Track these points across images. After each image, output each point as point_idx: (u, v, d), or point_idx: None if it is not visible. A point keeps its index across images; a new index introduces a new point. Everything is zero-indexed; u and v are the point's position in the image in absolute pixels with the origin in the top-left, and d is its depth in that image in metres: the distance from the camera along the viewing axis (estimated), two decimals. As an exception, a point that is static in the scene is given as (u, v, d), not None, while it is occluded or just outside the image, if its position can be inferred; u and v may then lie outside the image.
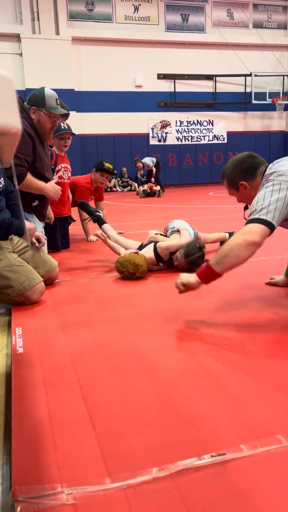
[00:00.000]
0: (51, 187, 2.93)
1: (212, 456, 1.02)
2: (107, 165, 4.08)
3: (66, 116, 3.96)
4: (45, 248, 2.85)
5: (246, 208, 2.16)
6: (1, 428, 1.27)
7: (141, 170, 12.08)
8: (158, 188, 10.46)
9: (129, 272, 2.67)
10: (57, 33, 11.64)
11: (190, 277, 1.87)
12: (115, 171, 4.34)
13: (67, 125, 3.55)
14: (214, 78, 13.35)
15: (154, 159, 11.89)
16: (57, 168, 3.60)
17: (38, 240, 2.56)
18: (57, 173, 3.61)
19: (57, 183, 3.57)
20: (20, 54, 11.40)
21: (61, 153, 3.66)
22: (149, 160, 11.80)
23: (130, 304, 2.27)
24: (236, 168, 2.02)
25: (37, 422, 1.21)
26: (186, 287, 1.89)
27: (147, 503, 0.89)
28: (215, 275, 1.80)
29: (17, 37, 11.35)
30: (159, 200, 9.34)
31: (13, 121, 0.34)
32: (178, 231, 3.17)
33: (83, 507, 0.89)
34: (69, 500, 0.90)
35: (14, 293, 2.24)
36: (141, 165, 11.68)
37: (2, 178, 2.39)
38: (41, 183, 2.90)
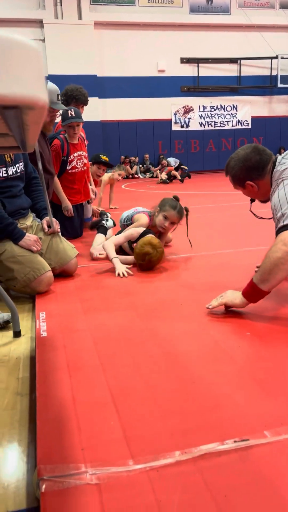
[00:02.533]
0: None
1: (235, 441, 1.02)
2: (103, 157, 4.21)
3: (84, 103, 3.94)
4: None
5: (253, 200, 2.11)
6: (26, 409, 1.29)
7: (165, 168, 11.81)
8: (177, 173, 10.38)
9: (148, 254, 2.54)
10: (80, 17, 11.54)
11: (235, 299, 1.80)
12: (112, 163, 4.42)
13: (76, 112, 3.52)
14: (238, 61, 13.04)
15: (178, 161, 11.64)
16: (69, 159, 3.59)
17: (49, 225, 2.50)
18: (70, 163, 3.60)
19: (71, 173, 3.59)
20: (43, 40, 11.37)
21: (73, 141, 3.64)
22: (173, 161, 11.59)
23: (151, 290, 2.27)
24: (242, 168, 1.89)
25: (61, 404, 1.23)
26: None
27: (170, 485, 0.89)
28: (262, 294, 1.71)
29: (39, 23, 11.31)
30: (181, 186, 9.26)
31: (41, 94, 0.34)
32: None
33: (106, 487, 0.90)
34: (93, 480, 0.92)
35: (19, 285, 2.23)
36: (166, 162, 11.48)
37: (21, 163, 2.40)
38: (63, 196, 3.39)
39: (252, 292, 1.73)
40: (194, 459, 0.97)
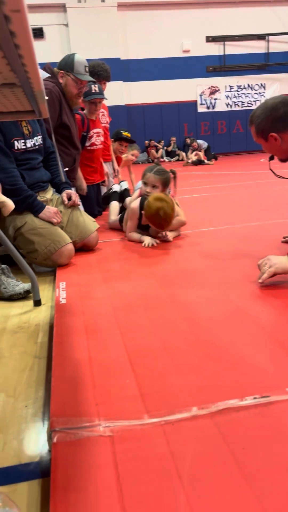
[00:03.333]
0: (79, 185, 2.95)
1: (255, 398, 0.97)
2: (125, 133, 4.08)
3: (106, 79, 3.86)
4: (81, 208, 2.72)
5: (271, 158, 1.99)
6: (43, 371, 1.28)
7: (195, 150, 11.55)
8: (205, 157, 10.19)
9: (161, 208, 2.43)
10: (103, 0, 11.39)
11: (285, 264, 1.67)
12: (134, 140, 4.28)
13: (99, 88, 3.45)
14: (266, 37, 12.60)
15: (206, 144, 11.36)
16: (89, 135, 3.54)
17: (69, 198, 2.47)
18: (90, 140, 3.55)
19: (90, 150, 3.54)
20: (66, 25, 11.31)
21: (92, 117, 3.58)
22: (202, 142, 11.32)
23: (173, 260, 2.23)
24: (268, 117, 1.78)
25: (77, 363, 1.21)
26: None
27: (186, 438, 0.86)
28: None
29: (63, 7, 11.24)
30: (208, 167, 9.09)
31: None
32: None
33: (120, 439, 0.87)
34: (106, 432, 0.89)
35: (40, 257, 2.22)
36: (197, 144, 11.22)
37: (39, 137, 2.38)
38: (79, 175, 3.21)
39: None
40: (211, 414, 0.93)
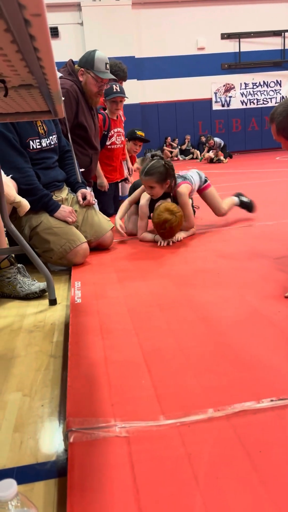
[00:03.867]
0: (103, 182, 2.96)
1: (272, 400, 0.96)
2: (139, 133, 4.09)
3: (123, 79, 3.87)
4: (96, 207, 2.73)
5: None
6: (59, 370, 1.29)
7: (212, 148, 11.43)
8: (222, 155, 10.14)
9: (167, 220, 2.47)
10: (117, -2, 11.39)
11: None
12: (148, 139, 4.27)
13: (120, 87, 3.45)
14: (283, 33, 12.43)
15: (222, 142, 11.26)
16: (109, 134, 3.55)
17: (84, 198, 2.48)
18: (110, 139, 3.56)
19: (110, 148, 3.55)
20: (81, 24, 11.34)
21: (114, 116, 3.59)
22: (219, 141, 11.23)
23: (187, 260, 2.22)
24: None
25: (93, 363, 1.21)
26: None
27: (202, 439, 0.85)
28: None
29: (78, 6, 11.26)
30: (223, 165, 9.03)
31: None
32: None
33: (135, 440, 0.87)
34: (122, 433, 0.89)
35: (55, 256, 2.23)
36: (213, 142, 11.11)
37: (55, 136, 2.39)
38: (100, 173, 3.21)
39: None
40: (227, 416, 0.92)
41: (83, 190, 2.50)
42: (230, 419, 0.91)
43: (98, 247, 2.51)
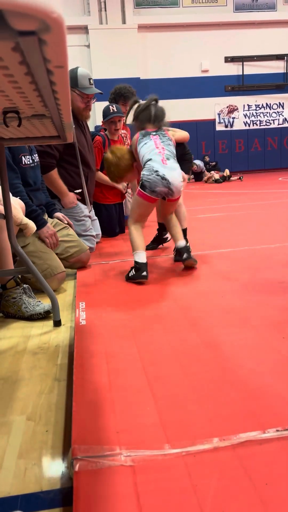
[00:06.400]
0: (71, 198, 2.99)
1: (277, 430, 0.96)
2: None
3: (126, 99, 3.90)
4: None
5: None
6: (63, 394, 1.29)
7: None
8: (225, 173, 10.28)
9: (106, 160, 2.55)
10: (124, 22, 11.66)
11: None
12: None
13: (117, 107, 3.51)
14: (285, 57, 12.68)
15: (202, 164, 11.34)
16: None
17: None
18: None
19: None
20: (88, 46, 11.59)
21: (114, 137, 3.64)
22: (199, 163, 11.28)
23: (190, 282, 2.23)
24: None
25: (97, 388, 1.21)
26: None
27: (208, 471, 0.85)
28: None
29: (85, 29, 11.53)
30: (226, 185, 9.10)
31: (53, 3, 0.30)
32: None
33: (141, 469, 0.87)
34: (127, 462, 0.89)
35: (34, 279, 2.27)
36: (195, 167, 11.12)
37: (36, 155, 2.45)
38: (64, 188, 2.96)
39: None
40: (233, 446, 0.92)
41: (57, 214, 2.64)
42: (236, 449, 0.91)
43: (76, 264, 2.64)
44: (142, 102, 2.56)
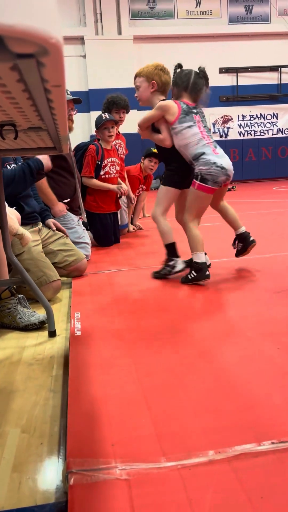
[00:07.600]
0: (60, 206, 3.03)
1: (273, 443, 0.96)
2: (154, 150, 4.07)
3: (125, 108, 3.95)
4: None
5: None
6: (58, 405, 1.28)
7: None
8: None
9: None
10: (119, 33, 11.78)
11: None
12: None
13: (108, 115, 3.58)
14: (279, 69, 12.85)
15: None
16: (103, 164, 3.62)
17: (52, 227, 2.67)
18: (104, 169, 3.62)
19: (104, 178, 3.60)
20: (84, 56, 11.69)
21: (108, 146, 3.66)
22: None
23: (186, 293, 2.23)
24: None
25: (93, 400, 1.21)
26: None
27: (203, 484, 0.85)
28: None
29: (81, 40, 11.63)
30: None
31: (51, 28, 0.31)
32: None
33: (136, 483, 0.86)
34: (123, 475, 0.89)
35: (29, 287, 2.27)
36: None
37: (20, 162, 2.46)
38: (53, 196, 2.99)
39: None
40: (228, 458, 0.92)
41: (49, 220, 2.67)
42: (231, 462, 0.91)
43: (73, 272, 2.64)
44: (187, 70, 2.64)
